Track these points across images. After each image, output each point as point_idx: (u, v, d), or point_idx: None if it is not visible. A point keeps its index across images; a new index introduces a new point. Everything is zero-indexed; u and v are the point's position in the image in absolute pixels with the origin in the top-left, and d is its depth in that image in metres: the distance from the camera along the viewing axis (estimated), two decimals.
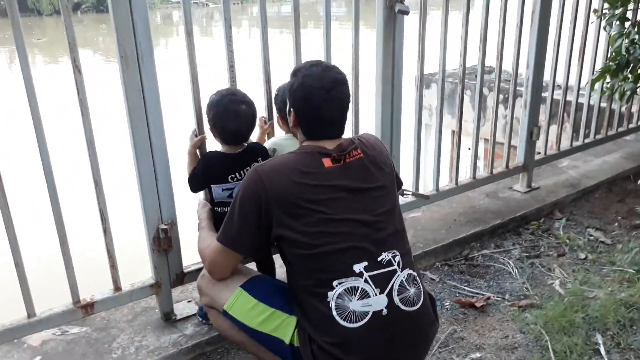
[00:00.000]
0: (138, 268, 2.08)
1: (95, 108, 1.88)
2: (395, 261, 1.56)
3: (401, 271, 1.56)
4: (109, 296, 1.93)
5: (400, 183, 1.88)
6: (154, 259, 1.96)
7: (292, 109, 1.61)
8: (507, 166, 3.05)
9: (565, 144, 3.34)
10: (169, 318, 2.05)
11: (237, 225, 1.55)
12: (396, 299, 1.53)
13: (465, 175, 2.98)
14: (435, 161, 2.74)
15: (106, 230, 1.86)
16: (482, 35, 2.65)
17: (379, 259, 1.54)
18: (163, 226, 1.92)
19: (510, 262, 2.54)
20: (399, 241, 1.62)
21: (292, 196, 1.50)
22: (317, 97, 1.56)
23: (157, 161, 1.86)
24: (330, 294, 1.48)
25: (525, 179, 3.15)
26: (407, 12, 2.21)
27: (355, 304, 1.48)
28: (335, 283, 1.49)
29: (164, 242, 1.93)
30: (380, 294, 1.51)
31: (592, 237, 2.73)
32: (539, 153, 3.21)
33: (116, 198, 2.33)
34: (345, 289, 1.49)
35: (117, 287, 1.94)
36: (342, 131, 1.64)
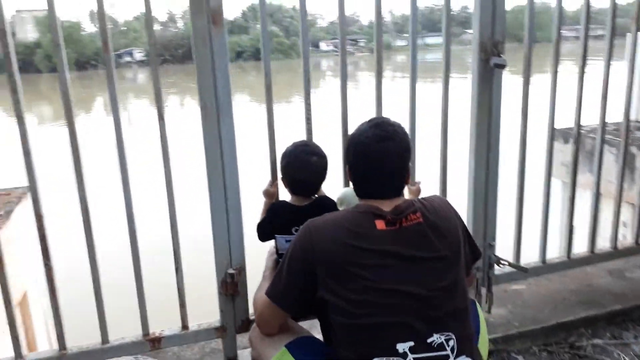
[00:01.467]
0: (212, 310, 2.13)
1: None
2: (448, 345, 1.38)
3: (455, 358, 1.37)
4: (176, 333, 1.99)
5: (476, 255, 1.68)
6: (221, 302, 2.00)
7: (347, 165, 1.56)
8: (636, 242, 2.61)
9: None
10: None
11: (285, 282, 1.50)
12: None
13: (603, 244, 2.58)
14: (542, 227, 2.43)
15: (178, 270, 1.95)
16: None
17: (429, 340, 1.37)
18: (231, 271, 1.95)
19: (627, 359, 2.12)
20: (458, 323, 1.43)
21: (339, 258, 1.42)
22: (366, 152, 1.49)
23: (230, 208, 1.91)
24: None
25: None
26: (503, 66, 2.04)
27: None
28: None
29: (230, 287, 1.96)
30: None
31: None
32: None
33: (195, 239, 2.45)
34: None
35: (185, 326, 2.00)
36: (399, 191, 1.53)
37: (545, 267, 2.45)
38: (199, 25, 1.74)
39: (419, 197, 2.02)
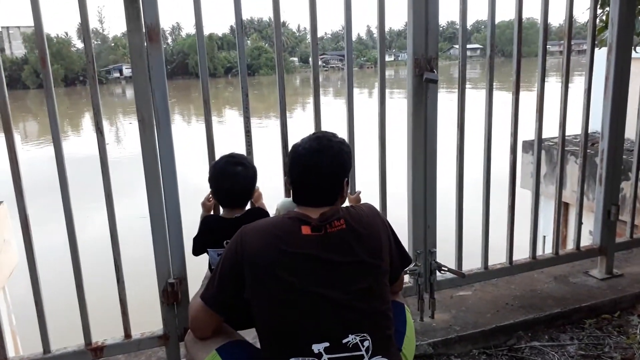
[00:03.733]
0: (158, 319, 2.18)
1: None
2: (363, 345, 1.45)
3: (369, 358, 1.44)
4: (118, 342, 2.03)
5: (405, 261, 1.74)
6: (163, 311, 2.05)
7: (287, 174, 1.64)
8: (577, 247, 2.70)
9: None
10: None
11: (217, 285, 1.55)
12: None
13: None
14: (483, 235, 2.51)
15: (119, 279, 2.00)
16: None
17: (344, 341, 1.44)
18: (171, 280, 2.00)
19: None
20: (375, 324, 1.50)
21: (264, 260, 1.48)
22: (302, 164, 1.56)
23: (169, 219, 1.97)
24: None
25: (605, 264, 2.75)
26: (434, 81, 2.14)
27: None
28: None
29: (171, 296, 2.01)
30: None
31: None
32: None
33: (142, 248, 2.51)
34: None
35: (128, 335, 2.05)
36: (330, 200, 1.60)
37: (487, 273, 2.53)
38: (135, 41, 1.81)
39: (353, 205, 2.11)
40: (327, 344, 1.42)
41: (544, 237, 6.05)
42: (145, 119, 1.87)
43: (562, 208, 4.88)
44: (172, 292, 2.00)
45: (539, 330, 2.41)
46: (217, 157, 1.91)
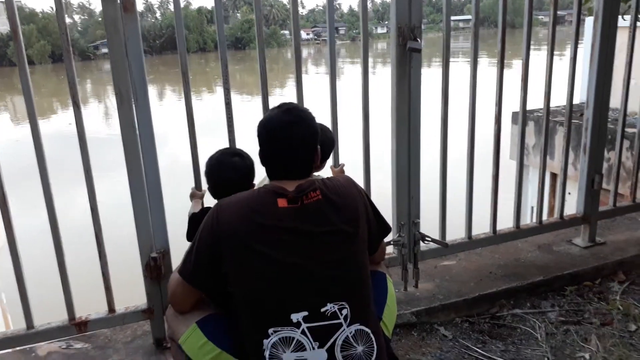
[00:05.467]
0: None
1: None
2: (341, 314, 1.46)
3: (348, 326, 1.45)
4: (102, 317, 2.04)
5: (384, 229, 1.75)
6: (147, 285, 2.05)
7: (259, 148, 1.61)
8: (561, 216, 2.72)
9: None
10: (160, 344, 2.12)
11: (194, 259, 1.56)
12: (339, 355, 1.42)
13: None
14: (467, 205, 2.52)
15: (101, 254, 1.99)
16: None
17: (323, 309, 1.45)
18: (154, 254, 2.00)
19: (542, 327, 2.23)
20: (353, 293, 1.51)
21: (240, 234, 1.48)
22: (273, 137, 1.55)
23: (150, 192, 1.96)
24: (265, 341, 1.42)
25: (587, 233, 2.77)
26: (418, 50, 2.11)
27: (288, 356, 1.40)
28: (270, 331, 1.43)
29: (154, 270, 2.01)
30: (319, 348, 1.41)
31: None
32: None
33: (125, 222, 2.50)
34: (280, 339, 1.42)
35: (112, 309, 2.06)
36: (306, 172, 1.59)
37: (471, 243, 2.55)
38: (110, 12, 1.77)
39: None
40: (305, 313, 1.43)
41: (532, 207, 6.11)
42: (123, 92, 1.84)
43: (549, 178, 4.90)
44: (154, 267, 2.01)
45: (521, 298, 2.44)
46: (197, 132, 1.89)
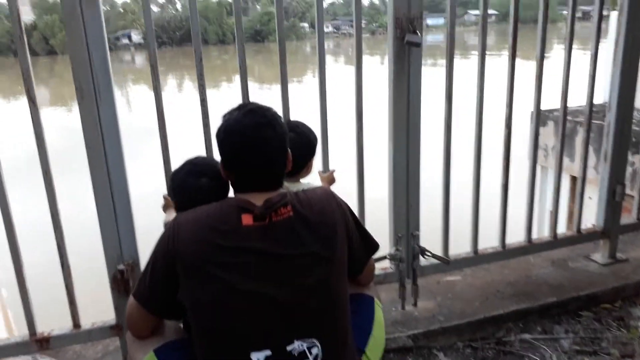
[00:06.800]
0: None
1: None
2: (311, 353, 1.26)
3: None
4: (66, 333, 1.87)
5: (370, 248, 1.54)
6: (114, 299, 1.87)
7: (220, 158, 1.40)
8: (578, 229, 2.47)
9: None
10: None
11: (148, 281, 1.37)
12: None
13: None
14: (473, 214, 2.29)
15: (64, 265, 1.82)
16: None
17: (289, 348, 1.25)
18: (121, 267, 1.82)
19: (554, 356, 1.99)
20: (326, 326, 1.31)
21: (196, 256, 1.28)
22: (235, 142, 1.34)
23: (116, 198, 1.77)
24: None
25: (607, 248, 2.52)
26: (417, 44, 1.88)
27: None
28: None
29: (121, 284, 1.83)
30: None
31: None
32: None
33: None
34: None
35: (77, 324, 1.89)
36: (275, 181, 1.39)
37: (476, 258, 2.32)
38: (68, 1, 1.58)
39: (328, 187, 1.89)
40: (268, 352, 1.24)
41: (550, 212, 5.82)
42: (83, 87, 1.66)
43: (568, 182, 4.60)
44: (122, 280, 1.83)
45: (531, 321, 2.21)
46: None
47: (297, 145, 1.63)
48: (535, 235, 2.42)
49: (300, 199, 1.36)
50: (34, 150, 1.68)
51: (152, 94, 1.80)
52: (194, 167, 1.51)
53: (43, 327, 1.87)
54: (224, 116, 1.39)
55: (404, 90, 1.98)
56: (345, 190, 2.07)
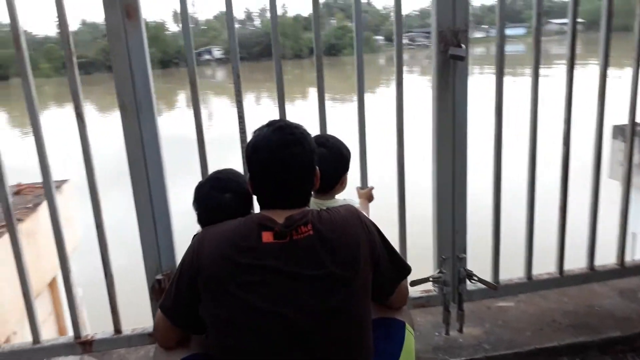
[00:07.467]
0: None
1: None
2: None
3: None
4: (108, 337, 1.95)
5: (402, 272, 1.47)
6: (153, 308, 1.92)
7: (249, 175, 1.41)
8: None
9: None
10: None
11: (174, 294, 1.39)
12: None
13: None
14: (527, 235, 2.14)
15: (107, 274, 1.90)
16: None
17: None
18: (159, 276, 1.87)
19: None
20: (345, 353, 1.26)
21: (216, 271, 1.29)
22: (262, 160, 1.34)
23: (156, 211, 1.83)
24: None
25: None
26: (461, 58, 1.79)
27: None
28: None
29: (159, 293, 1.88)
30: None
31: None
32: None
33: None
34: None
35: (118, 330, 1.96)
36: (301, 199, 1.37)
37: (529, 284, 2.16)
38: (112, 20, 1.66)
39: (365, 205, 1.85)
40: None
41: (633, 234, 5.36)
42: (127, 105, 1.73)
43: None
44: (159, 289, 1.87)
45: (589, 356, 2.01)
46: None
47: (329, 160, 1.60)
48: (611, 260, 2.21)
49: (322, 218, 1.33)
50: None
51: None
52: (218, 182, 1.52)
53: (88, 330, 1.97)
54: (254, 132, 1.40)
55: (449, 106, 1.90)
56: (385, 206, 2.02)
